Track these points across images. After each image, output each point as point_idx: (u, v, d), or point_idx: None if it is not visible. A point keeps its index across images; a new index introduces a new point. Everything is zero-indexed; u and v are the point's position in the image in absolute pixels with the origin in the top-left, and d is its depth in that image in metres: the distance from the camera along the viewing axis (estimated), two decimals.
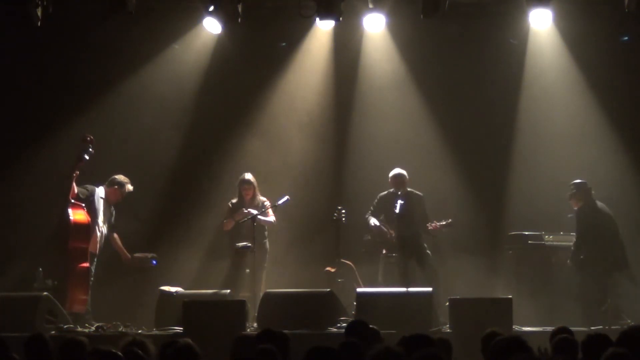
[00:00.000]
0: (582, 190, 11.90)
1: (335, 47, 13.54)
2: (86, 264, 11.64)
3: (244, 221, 12.11)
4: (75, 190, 11.73)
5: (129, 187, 12.18)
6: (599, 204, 11.91)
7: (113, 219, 12.19)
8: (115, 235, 12.23)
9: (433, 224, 12.06)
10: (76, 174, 11.70)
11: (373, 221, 12.34)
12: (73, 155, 11.88)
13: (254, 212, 12.03)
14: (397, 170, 12.37)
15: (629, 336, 5.91)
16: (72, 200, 11.68)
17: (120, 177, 12.17)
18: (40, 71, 13.31)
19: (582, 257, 11.68)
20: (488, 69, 13.43)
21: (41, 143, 13.18)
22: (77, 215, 11.67)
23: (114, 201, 12.16)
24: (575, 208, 11.95)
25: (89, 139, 11.78)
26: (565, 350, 6.12)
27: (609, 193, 12.53)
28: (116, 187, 12.12)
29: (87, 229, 11.71)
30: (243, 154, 13.55)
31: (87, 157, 11.68)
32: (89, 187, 12.01)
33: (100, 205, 12.02)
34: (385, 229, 12.27)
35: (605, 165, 12.84)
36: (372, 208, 12.49)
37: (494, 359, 5.39)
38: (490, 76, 13.43)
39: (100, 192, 12.07)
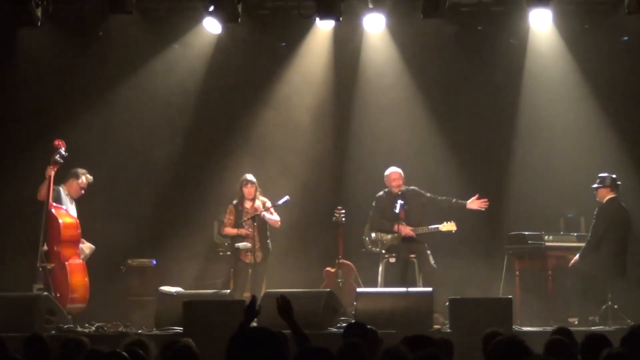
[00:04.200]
0: (609, 185, 11.80)
1: (335, 47, 13.53)
2: (79, 261, 11.68)
3: (244, 221, 12.12)
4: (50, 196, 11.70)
5: (88, 177, 12.05)
6: (622, 204, 11.82)
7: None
8: None
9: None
10: (50, 177, 11.67)
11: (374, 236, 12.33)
12: (74, 154, 11.98)
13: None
14: (391, 169, 12.34)
15: (632, 336, 5.90)
16: (54, 204, 11.70)
17: (77, 169, 12.11)
18: (40, 71, 13.30)
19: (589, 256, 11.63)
20: (488, 69, 13.43)
21: (42, 142, 13.18)
22: (63, 217, 11.73)
23: (75, 194, 12.08)
24: (601, 201, 11.76)
25: (57, 142, 11.79)
26: (558, 352, 6.11)
27: None
28: (72, 179, 12.06)
29: (75, 227, 11.74)
30: (243, 154, 13.55)
31: (60, 161, 11.70)
32: (55, 188, 11.93)
33: (67, 203, 11.99)
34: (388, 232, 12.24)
35: (605, 165, 12.80)
36: (371, 214, 12.35)
37: (494, 359, 5.38)
38: (490, 76, 13.42)
39: (62, 190, 12.04)
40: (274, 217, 12.29)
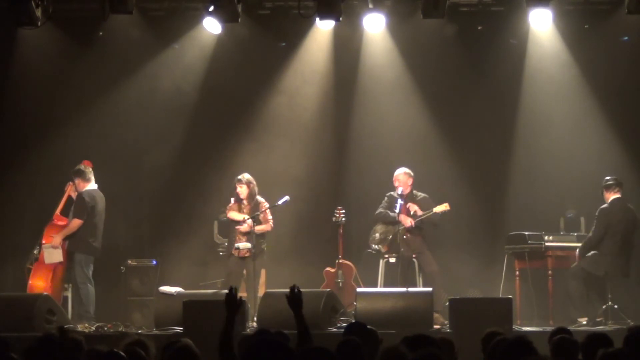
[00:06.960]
0: (614, 186, 11.79)
1: (335, 47, 13.52)
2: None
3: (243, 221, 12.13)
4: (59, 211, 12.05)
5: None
6: (629, 205, 11.83)
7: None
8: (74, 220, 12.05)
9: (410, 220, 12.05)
10: (66, 192, 12.06)
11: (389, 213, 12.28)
12: (73, 153, 12.22)
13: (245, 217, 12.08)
14: (398, 170, 12.35)
15: (636, 336, 5.89)
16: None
17: None
18: (40, 71, 13.30)
19: (589, 255, 11.64)
20: (488, 69, 13.42)
21: (43, 142, 13.20)
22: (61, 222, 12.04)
23: (78, 189, 12.10)
24: (606, 201, 11.78)
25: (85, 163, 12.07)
26: (564, 350, 6.11)
27: None
28: None
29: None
30: (243, 153, 13.54)
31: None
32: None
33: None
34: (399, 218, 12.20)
35: (605, 165, 12.82)
36: (383, 205, 12.39)
37: (495, 359, 5.37)
38: (490, 76, 13.41)
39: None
40: (262, 226, 12.11)
